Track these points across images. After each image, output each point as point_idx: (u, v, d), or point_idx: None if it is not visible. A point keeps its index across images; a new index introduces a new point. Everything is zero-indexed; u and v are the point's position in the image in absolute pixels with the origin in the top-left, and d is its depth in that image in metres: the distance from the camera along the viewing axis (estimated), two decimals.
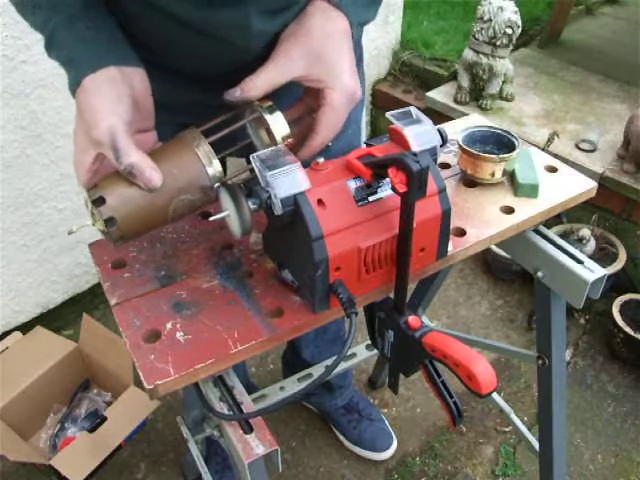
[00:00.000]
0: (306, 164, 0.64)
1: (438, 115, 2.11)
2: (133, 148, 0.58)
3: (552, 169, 0.89)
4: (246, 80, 0.63)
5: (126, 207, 0.60)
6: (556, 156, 1.69)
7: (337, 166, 0.65)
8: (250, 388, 1.40)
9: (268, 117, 0.64)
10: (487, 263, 2.05)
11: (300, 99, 0.70)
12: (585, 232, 1.78)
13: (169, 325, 0.66)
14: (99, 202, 0.59)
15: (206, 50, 0.69)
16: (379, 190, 0.64)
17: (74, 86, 0.60)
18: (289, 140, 0.65)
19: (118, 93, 0.60)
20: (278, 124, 0.64)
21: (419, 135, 0.66)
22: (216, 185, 0.62)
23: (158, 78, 0.68)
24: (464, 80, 2.05)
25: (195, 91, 0.74)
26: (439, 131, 0.68)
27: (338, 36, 0.65)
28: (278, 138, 0.64)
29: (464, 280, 2.03)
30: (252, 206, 0.60)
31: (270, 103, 0.65)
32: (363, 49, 0.94)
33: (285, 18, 0.66)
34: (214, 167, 0.62)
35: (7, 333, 1.61)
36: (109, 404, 1.54)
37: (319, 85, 0.64)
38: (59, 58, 0.62)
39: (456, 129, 0.89)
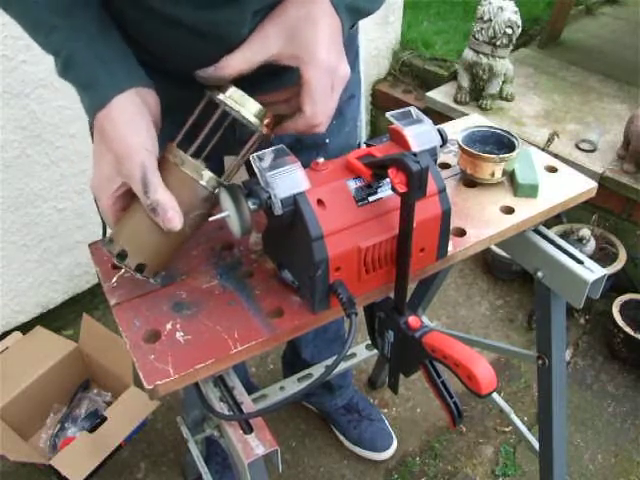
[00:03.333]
0: (306, 164, 0.64)
1: (438, 115, 2.11)
2: (162, 186, 0.59)
3: (552, 169, 0.89)
4: (221, 60, 0.62)
5: (148, 249, 0.63)
6: (556, 156, 1.69)
7: (337, 166, 0.65)
8: (250, 388, 1.40)
9: (233, 104, 0.62)
10: (487, 263, 2.05)
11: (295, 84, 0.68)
12: (585, 232, 1.78)
13: (169, 325, 0.66)
14: (122, 257, 0.62)
15: (204, 50, 0.69)
16: (379, 190, 0.64)
17: (95, 109, 0.60)
18: (267, 120, 0.63)
19: (146, 122, 0.61)
20: (246, 106, 0.62)
21: (419, 135, 0.66)
22: (216, 191, 0.63)
23: (157, 79, 0.68)
24: (464, 80, 2.05)
25: (192, 90, 0.74)
26: (439, 131, 0.68)
27: (315, 14, 0.63)
28: (252, 119, 0.62)
29: (464, 280, 2.03)
30: (252, 206, 0.60)
31: (231, 86, 0.63)
32: (360, 48, 0.94)
33: None
34: (205, 178, 0.62)
35: (7, 333, 1.61)
36: (109, 404, 1.54)
37: (295, 63, 0.63)
38: (78, 79, 0.62)
39: (456, 129, 0.89)
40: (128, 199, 0.63)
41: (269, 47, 0.62)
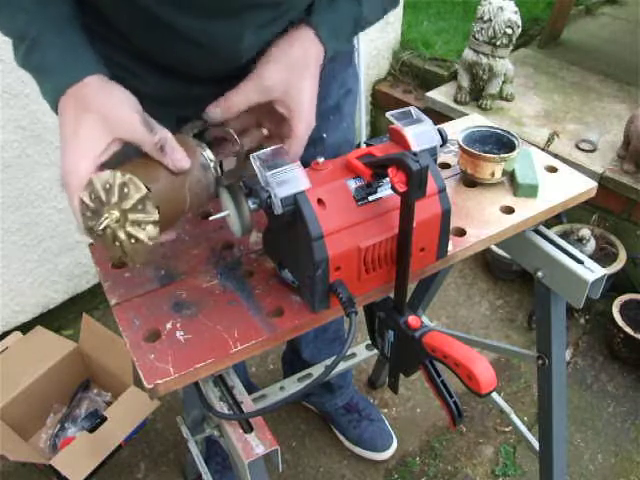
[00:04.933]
0: (305, 160, 0.64)
1: (438, 115, 2.11)
2: (163, 127, 0.59)
3: (552, 169, 0.89)
4: (226, 99, 0.65)
5: (154, 185, 0.56)
6: (556, 156, 1.69)
7: (337, 166, 0.65)
8: (250, 388, 1.40)
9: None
10: (487, 263, 2.05)
11: (248, 111, 0.69)
12: (585, 232, 1.78)
13: (169, 325, 0.66)
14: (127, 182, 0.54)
15: (200, 58, 0.70)
16: (379, 190, 0.64)
17: (66, 86, 0.59)
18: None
19: (124, 89, 0.61)
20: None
21: (419, 135, 0.66)
22: (212, 165, 0.63)
23: (159, 74, 0.68)
24: (464, 80, 2.05)
25: (194, 87, 0.75)
26: (439, 131, 0.68)
27: (313, 68, 0.68)
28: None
29: (464, 280, 2.03)
30: (252, 206, 0.60)
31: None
32: (360, 48, 0.94)
33: (272, 31, 0.68)
34: (204, 147, 0.63)
35: (7, 333, 1.61)
36: (109, 404, 1.54)
37: (288, 114, 0.67)
38: (44, 62, 0.60)
39: (456, 129, 0.89)
40: None
41: (272, 92, 0.66)
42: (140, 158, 0.59)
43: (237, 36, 0.66)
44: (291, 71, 0.66)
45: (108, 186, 0.55)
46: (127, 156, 0.59)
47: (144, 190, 0.53)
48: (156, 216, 0.55)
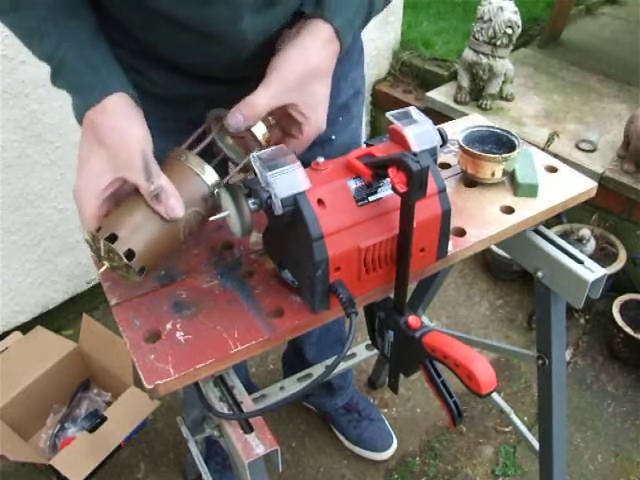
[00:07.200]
0: (306, 164, 0.64)
1: (438, 115, 2.11)
2: (162, 173, 0.60)
3: (552, 169, 0.89)
4: (249, 105, 0.63)
5: (139, 235, 0.60)
6: (556, 156, 1.69)
7: (337, 166, 0.65)
8: (251, 388, 1.40)
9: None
10: (487, 263, 2.05)
11: None
12: (585, 232, 1.78)
13: (169, 325, 0.66)
14: (111, 239, 0.59)
15: (203, 48, 0.69)
16: (379, 190, 0.64)
17: (86, 106, 0.61)
18: (267, 137, 0.68)
19: (139, 118, 0.62)
20: (257, 125, 0.66)
21: (419, 135, 0.66)
22: (215, 191, 0.64)
23: (167, 73, 0.68)
24: (464, 80, 2.05)
25: (203, 85, 0.74)
26: (439, 131, 0.68)
27: (330, 71, 0.67)
28: (259, 137, 0.67)
29: (464, 280, 2.03)
30: (252, 206, 0.60)
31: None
32: (364, 45, 0.94)
33: (276, 13, 0.67)
34: (208, 174, 0.63)
35: (7, 333, 1.61)
36: (109, 404, 1.54)
37: (301, 119, 0.66)
38: (70, 84, 0.64)
39: (456, 129, 0.89)
40: (113, 203, 0.63)
41: (289, 96, 0.65)
42: (139, 197, 0.61)
43: (234, 19, 0.64)
44: (310, 77, 0.65)
45: (99, 245, 0.60)
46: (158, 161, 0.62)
47: (125, 260, 0.59)
48: (139, 274, 0.62)
